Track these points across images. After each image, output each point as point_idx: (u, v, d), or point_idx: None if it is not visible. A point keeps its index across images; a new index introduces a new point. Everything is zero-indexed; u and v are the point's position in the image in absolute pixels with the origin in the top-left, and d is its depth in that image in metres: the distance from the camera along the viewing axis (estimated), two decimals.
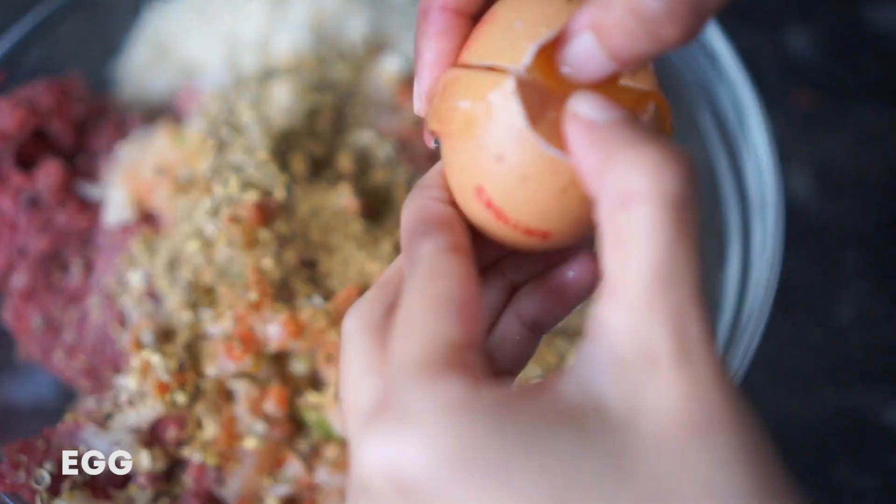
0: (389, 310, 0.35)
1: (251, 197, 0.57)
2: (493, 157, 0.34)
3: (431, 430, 0.28)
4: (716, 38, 0.63)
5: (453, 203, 0.37)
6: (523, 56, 0.34)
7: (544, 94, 0.34)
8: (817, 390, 0.72)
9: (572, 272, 0.39)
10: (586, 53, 0.33)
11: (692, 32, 0.32)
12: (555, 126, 0.33)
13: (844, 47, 0.84)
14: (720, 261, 0.63)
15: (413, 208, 0.37)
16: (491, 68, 0.35)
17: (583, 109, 0.32)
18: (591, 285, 0.38)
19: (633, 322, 0.29)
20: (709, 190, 0.65)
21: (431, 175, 0.39)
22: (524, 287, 0.40)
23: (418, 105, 0.38)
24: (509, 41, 0.35)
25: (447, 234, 0.34)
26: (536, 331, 0.39)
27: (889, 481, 0.70)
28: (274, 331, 0.55)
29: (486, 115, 0.34)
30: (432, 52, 0.37)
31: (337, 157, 0.63)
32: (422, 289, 0.32)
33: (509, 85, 0.33)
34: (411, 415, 0.29)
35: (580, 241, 0.38)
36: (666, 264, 0.29)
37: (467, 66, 0.36)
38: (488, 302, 0.39)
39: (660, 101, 0.37)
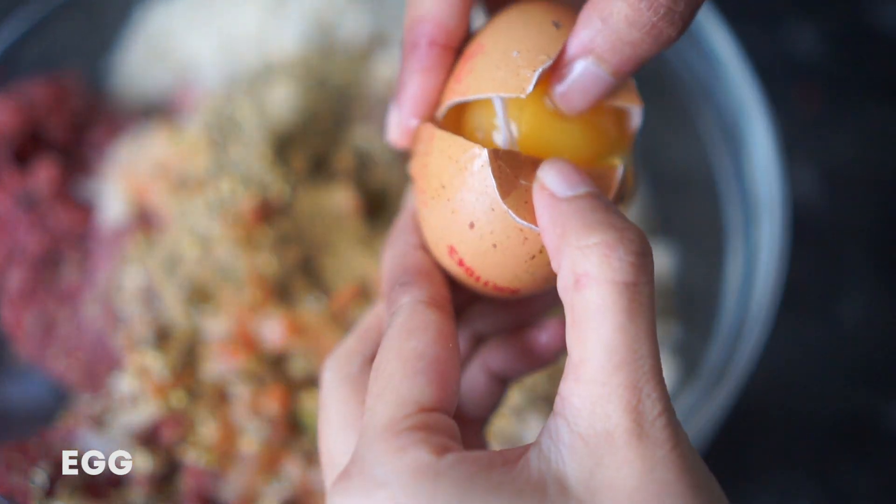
0: (368, 361, 0.36)
1: (250, 196, 0.56)
2: (465, 223, 0.35)
3: (396, 495, 0.29)
4: (718, 35, 0.62)
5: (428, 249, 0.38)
6: (526, 84, 0.34)
7: (517, 161, 0.35)
8: (821, 391, 0.72)
9: (545, 336, 0.40)
10: (588, 76, 0.34)
11: (687, 26, 0.33)
12: (527, 193, 0.34)
13: (849, 45, 0.84)
14: (722, 261, 0.63)
15: (394, 255, 0.38)
16: (480, 103, 0.36)
17: (549, 181, 0.33)
18: (562, 347, 0.39)
19: (591, 401, 0.29)
20: (709, 190, 0.65)
21: (407, 218, 0.39)
22: (494, 340, 0.40)
23: (395, 135, 0.39)
24: (509, 70, 0.35)
25: (427, 287, 0.35)
26: (503, 382, 0.40)
27: (894, 483, 0.69)
28: (273, 331, 0.54)
29: (460, 182, 0.35)
30: (418, 86, 0.37)
31: (336, 154, 0.62)
32: (397, 344, 0.33)
33: (483, 157, 0.34)
34: (377, 479, 0.29)
35: (551, 290, 0.39)
36: (619, 344, 0.29)
37: (442, 127, 0.37)
38: None
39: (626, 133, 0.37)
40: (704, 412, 0.53)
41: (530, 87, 0.34)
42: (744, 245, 0.61)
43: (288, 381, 0.55)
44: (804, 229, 0.65)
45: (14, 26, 0.64)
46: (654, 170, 0.72)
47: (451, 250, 0.36)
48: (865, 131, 0.80)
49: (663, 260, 0.70)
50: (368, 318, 0.38)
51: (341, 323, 0.56)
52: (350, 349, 0.37)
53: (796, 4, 0.84)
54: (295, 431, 0.55)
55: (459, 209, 0.35)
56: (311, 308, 0.55)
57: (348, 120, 0.64)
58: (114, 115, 0.65)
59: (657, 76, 0.66)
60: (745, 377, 0.54)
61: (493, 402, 0.40)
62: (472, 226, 0.34)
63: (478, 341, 0.40)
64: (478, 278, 0.36)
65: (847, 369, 0.73)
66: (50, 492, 0.51)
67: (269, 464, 0.54)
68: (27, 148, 0.62)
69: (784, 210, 0.58)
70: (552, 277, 0.35)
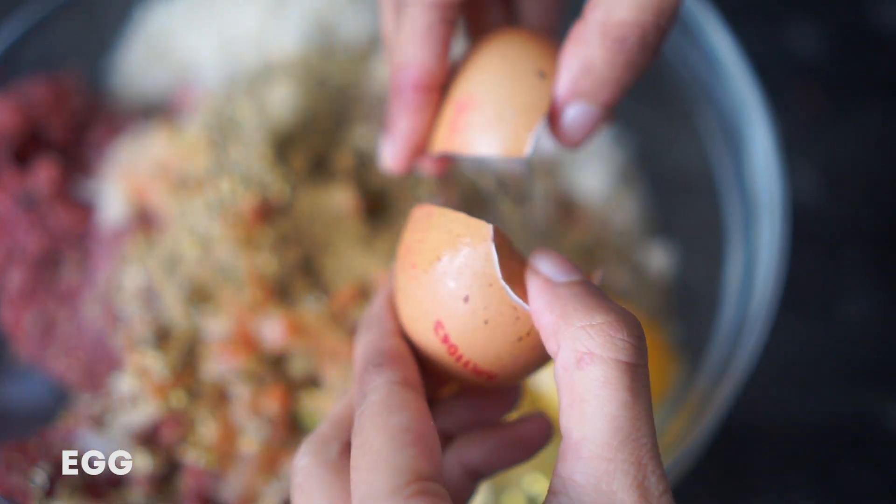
0: (345, 447, 0.36)
1: (250, 196, 0.56)
2: (458, 298, 0.35)
3: None
4: (718, 35, 0.62)
5: (402, 333, 0.38)
6: (524, 145, 0.36)
7: (509, 246, 0.36)
8: (822, 391, 0.72)
9: (529, 426, 0.40)
10: (581, 116, 0.37)
11: (658, 52, 0.36)
12: (515, 275, 0.35)
13: (849, 45, 0.83)
14: (722, 261, 0.63)
15: (367, 340, 0.38)
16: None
17: (544, 267, 0.35)
18: (546, 438, 0.40)
19: (595, 477, 0.30)
20: (709, 190, 0.65)
21: (380, 305, 0.40)
22: (471, 434, 0.40)
23: (390, 162, 0.41)
24: (507, 132, 0.37)
25: (400, 369, 0.35)
26: (476, 478, 0.40)
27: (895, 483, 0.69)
28: (273, 331, 0.54)
29: (460, 255, 0.35)
30: (406, 125, 0.40)
31: (336, 154, 0.62)
32: (380, 420, 0.32)
33: (487, 233, 0.34)
34: None
35: (517, 383, 0.40)
36: (624, 421, 0.30)
37: (438, 211, 0.37)
38: None
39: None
40: (705, 412, 0.53)
41: (529, 149, 0.36)
42: (744, 245, 0.61)
43: (288, 381, 0.55)
44: (804, 229, 0.65)
45: (14, 26, 0.64)
46: (654, 170, 0.72)
47: (438, 325, 0.36)
48: (865, 131, 0.80)
49: (663, 260, 0.70)
50: (341, 407, 0.38)
51: (341, 323, 0.56)
52: (326, 435, 0.36)
53: (796, 4, 0.84)
54: (295, 431, 0.55)
55: (453, 284, 0.35)
56: (311, 308, 0.55)
57: (348, 120, 0.64)
58: (114, 115, 0.65)
59: (657, 76, 0.66)
60: (745, 377, 0.54)
61: (462, 497, 0.39)
62: (466, 300, 0.35)
63: (445, 438, 0.40)
64: (459, 357, 0.36)
65: (847, 369, 0.73)
66: (50, 492, 0.51)
67: (269, 464, 0.54)
68: (27, 148, 0.62)
69: (784, 210, 0.58)
70: (530, 366, 0.36)
